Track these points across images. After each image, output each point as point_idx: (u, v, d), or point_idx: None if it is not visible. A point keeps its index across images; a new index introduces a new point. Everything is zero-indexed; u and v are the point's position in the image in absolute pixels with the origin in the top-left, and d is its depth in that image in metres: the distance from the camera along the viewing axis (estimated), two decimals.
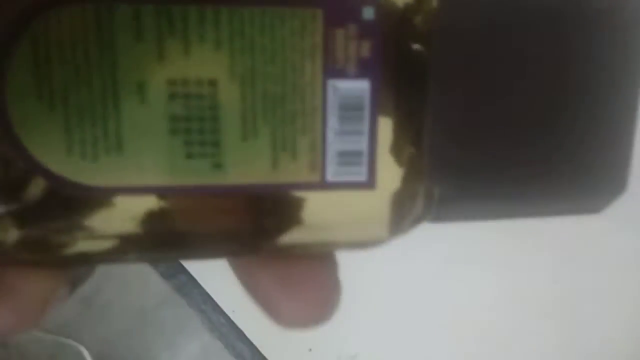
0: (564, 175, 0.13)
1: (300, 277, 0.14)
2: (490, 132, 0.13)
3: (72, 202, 0.12)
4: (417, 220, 0.14)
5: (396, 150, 0.13)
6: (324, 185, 0.12)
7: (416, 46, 0.12)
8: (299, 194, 0.12)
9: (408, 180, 0.13)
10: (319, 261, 0.14)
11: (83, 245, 0.12)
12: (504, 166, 0.13)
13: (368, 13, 0.12)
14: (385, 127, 0.13)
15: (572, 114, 0.13)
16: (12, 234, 0.12)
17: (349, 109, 0.12)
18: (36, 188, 0.12)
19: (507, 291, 0.37)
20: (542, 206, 0.14)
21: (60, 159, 0.11)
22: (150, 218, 0.12)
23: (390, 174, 0.13)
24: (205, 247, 0.13)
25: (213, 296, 0.41)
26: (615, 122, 0.13)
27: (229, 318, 0.40)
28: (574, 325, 0.37)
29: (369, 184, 0.13)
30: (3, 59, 0.11)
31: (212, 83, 0.11)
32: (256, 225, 0.13)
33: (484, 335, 0.38)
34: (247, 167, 0.12)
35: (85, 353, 0.50)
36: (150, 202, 0.12)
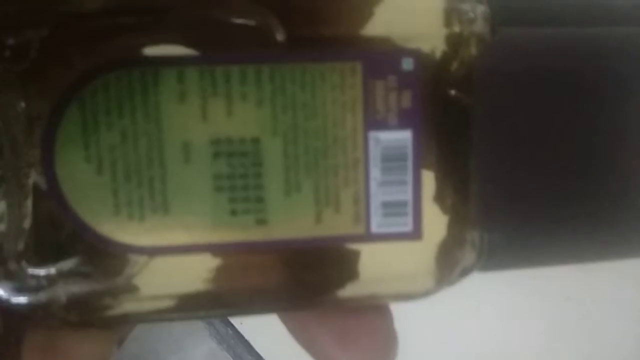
0: (621, 219, 0.13)
1: (356, 331, 0.13)
2: (538, 177, 0.12)
3: (118, 262, 0.12)
4: (466, 271, 0.13)
5: (440, 198, 0.13)
6: (369, 237, 0.12)
7: (456, 94, 0.12)
8: (349, 247, 0.12)
9: (453, 228, 0.13)
10: (373, 313, 0.14)
11: (129, 306, 0.12)
12: (554, 211, 0.13)
13: (407, 64, 0.12)
14: (428, 175, 0.12)
15: (623, 160, 0.12)
16: (61, 296, 0.12)
17: (391, 159, 0.12)
18: (82, 249, 0.12)
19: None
20: (598, 250, 0.14)
21: (107, 220, 0.12)
22: (197, 277, 0.12)
23: (435, 223, 0.13)
24: (252, 304, 0.13)
25: None
26: None
27: (236, 329, 0.39)
28: None
29: (416, 234, 0.12)
30: (53, 124, 0.11)
31: (255, 140, 0.12)
32: (304, 281, 0.12)
33: None
34: (291, 222, 0.12)
35: None
36: (196, 261, 0.12)
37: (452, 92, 0.12)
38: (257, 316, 0.13)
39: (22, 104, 0.11)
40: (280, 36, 0.11)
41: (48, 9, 0.11)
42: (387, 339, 0.14)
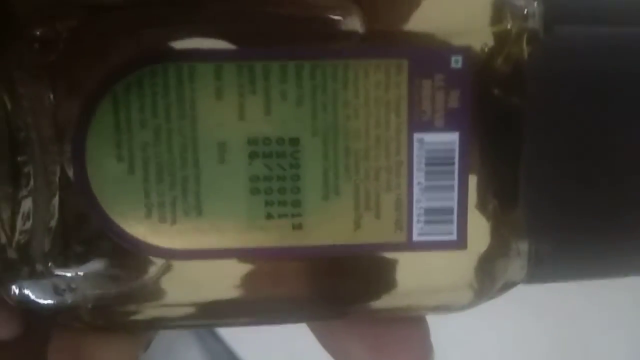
0: None
1: (391, 343, 0.13)
2: (591, 187, 0.12)
3: (148, 266, 0.11)
4: (509, 284, 0.12)
5: (484, 204, 0.12)
6: (410, 245, 0.12)
7: (507, 95, 0.11)
8: (388, 255, 0.12)
9: (497, 237, 0.12)
10: (409, 325, 0.13)
11: (155, 312, 0.12)
12: (605, 223, 0.12)
13: (456, 62, 0.11)
14: (472, 180, 0.12)
15: None
16: (88, 299, 0.11)
17: (437, 163, 0.11)
18: (111, 251, 0.11)
19: None
20: None
21: (138, 221, 0.11)
22: (230, 283, 0.11)
23: (479, 231, 0.12)
24: (283, 313, 0.12)
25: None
26: None
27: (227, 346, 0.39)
28: None
29: (460, 243, 0.12)
30: (84, 121, 0.11)
31: (294, 141, 0.11)
32: (338, 290, 0.12)
33: None
34: (329, 228, 0.11)
35: None
36: (229, 266, 0.11)
37: (503, 92, 0.11)
38: (289, 324, 0.13)
39: (51, 98, 0.11)
40: (336, 29, 0.11)
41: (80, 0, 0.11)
42: (423, 352, 0.13)
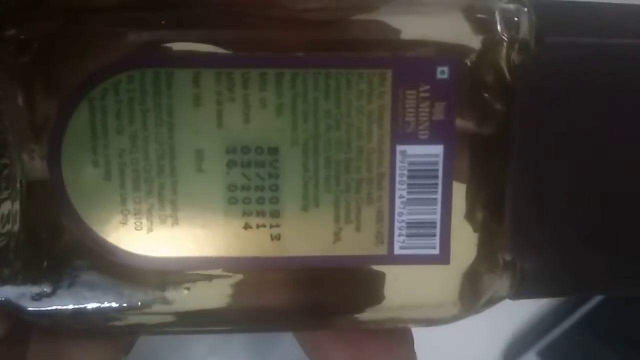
0: None
1: (375, 353, 0.13)
2: (580, 201, 0.11)
3: (125, 273, 0.11)
4: (496, 298, 0.12)
5: (471, 216, 0.12)
6: (391, 259, 0.11)
7: (494, 105, 0.11)
8: (371, 269, 0.11)
9: (484, 250, 0.12)
10: (393, 336, 0.13)
11: (135, 319, 0.12)
12: (595, 239, 0.12)
13: (442, 72, 0.11)
14: (459, 192, 0.11)
15: None
16: (67, 305, 0.11)
17: (419, 176, 0.11)
18: (88, 257, 0.11)
19: None
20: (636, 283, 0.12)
21: (114, 228, 0.11)
22: (206, 292, 0.11)
23: (465, 244, 0.12)
24: (263, 322, 0.12)
25: None
26: None
27: None
28: None
29: (443, 257, 0.11)
30: (60, 125, 0.11)
31: (273, 150, 0.11)
32: (318, 301, 0.12)
33: None
34: (308, 239, 0.11)
35: None
36: (206, 276, 0.11)
37: (490, 103, 0.11)
38: (269, 332, 0.13)
39: (26, 101, 0.11)
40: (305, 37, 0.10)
41: (56, 1, 0.11)
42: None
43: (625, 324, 0.33)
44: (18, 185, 0.11)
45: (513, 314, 0.34)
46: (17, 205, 0.11)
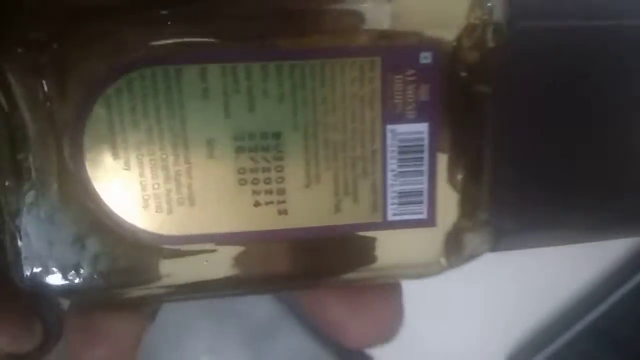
0: (623, 202, 0.13)
1: (368, 302, 0.14)
2: (548, 164, 0.13)
3: (148, 251, 0.12)
4: (477, 252, 0.14)
5: (453, 181, 0.13)
6: (385, 224, 0.13)
7: (474, 85, 0.12)
8: (366, 234, 0.13)
9: (465, 211, 0.13)
10: (384, 288, 0.14)
11: (158, 290, 0.13)
12: (562, 196, 0.13)
13: (425, 58, 0.12)
14: (442, 161, 0.13)
15: (629, 152, 0.13)
16: (96, 281, 0.13)
17: (408, 151, 0.12)
18: (114, 240, 0.12)
19: None
20: (604, 230, 0.14)
21: (137, 212, 0.12)
22: (223, 264, 0.13)
23: (449, 207, 0.13)
24: (272, 285, 0.14)
25: None
26: None
27: None
28: None
29: (430, 221, 0.13)
30: (80, 122, 0.12)
31: (276, 135, 0.12)
32: (322, 265, 0.13)
33: None
34: (311, 212, 0.12)
35: None
36: (221, 249, 0.13)
37: (470, 83, 0.12)
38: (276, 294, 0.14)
39: (46, 98, 0.12)
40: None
41: (70, 3, 0.11)
42: (396, 312, 0.15)
43: (629, 334, 0.33)
44: (42, 176, 0.12)
45: (516, 324, 0.34)
46: (41, 195, 0.12)
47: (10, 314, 0.14)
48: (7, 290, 0.13)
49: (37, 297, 0.14)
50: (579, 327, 0.33)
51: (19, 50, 0.11)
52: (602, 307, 0.33)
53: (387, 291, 0.15)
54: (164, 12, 0.11)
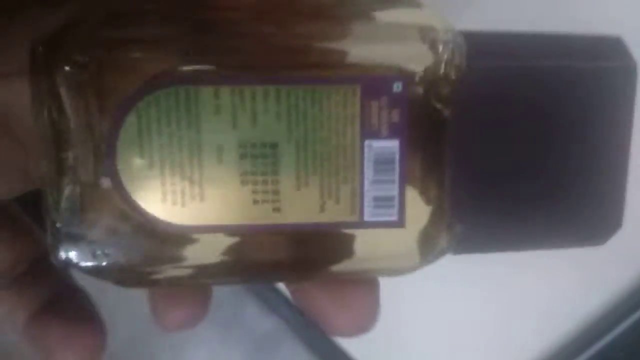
0: (566, 214, 0.16)
1: (350, 295, 0.17)
2: (501, 179, 0.15)
3: (163, 237, 0.15)
4: (442, 253, 0.16)
5: (424, 192, 0.16)
6: (362, 224, 0.15)
7: (437, 110, 0.15)
8: (346, 232, 0.15)
9: (433, 217, 0.16)
10: (365, 284, 0.17)
11: (172, 272, 0.15)
12: (513, 208, 0.16)
13: (397, 87, 0.15)
14: (414, 175, 0.15)
15: (572, 168, 0.15)
16: (120, 262, 0.15)
17: (382, 162, 0.15)
18: (138, 227, 0.15)
19: None
20: (550, 240, 0.17)
21: (156, 204, 0.15)
22: (225, 251, 0.15)
23: (419, 213, 0.16)
24: (268, 274, 0.16)
25: None
26: (608, 173, 0.15)
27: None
28: None
29: (400, 222, 0.15)
30: (115, 128, 0.14)
31: (274, 145, 0.15)
32: (308, 257, 0.16)
33: None
34: (300, 211, 0.15)
35: None
36: (224, 238, 0.15)
37: (434, 109, 0.15)
38: (272, 283, 0.17)
39: (88, 109, 0.14)
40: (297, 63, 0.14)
41: (106, 33, 0.14)
42: (374, 304, 0.17)
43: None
44: (79, 172, 0.15)
45: (524, 349, 0.35)
46: (77, 188, 0.15)
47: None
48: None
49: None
50: (586, 355, 0.33)
51: (67, 68, 0.14)
52: (610, 336, 0.33)
53: (367, 286, 0.17)
54: (184, 45, 0.14)
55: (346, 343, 0.34)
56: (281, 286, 0.36)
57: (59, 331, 0.17)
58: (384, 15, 0.15)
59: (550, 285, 0.33)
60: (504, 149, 0.15)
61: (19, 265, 0.17)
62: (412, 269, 0.16)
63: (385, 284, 0.17)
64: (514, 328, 0.36)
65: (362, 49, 0.14)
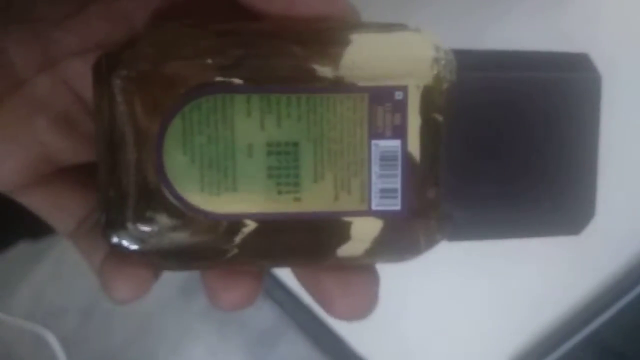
0: (545, 207, 0.18)
1: (353, 282, 0.19)
2: (488, 175, 0.18)
3: (201, 224, 0.18)
4: (437, 240, 0.19)
5: (423, 186, 0.18)
6: (370, 212, 0.18)
7: (434, 115, 0.18)
8: (349, 219, 0.18)
9: (431, 209, 0.18)
10: (366, 270, 0.19)
11: (209, 253, 0.18)
12: (497, 201, 0.18)
13: (399, 95, 0.17)
14: (414, 170, 0.18)
15: (548, 164, 0.18)
16: (164, 246, 0.18)
17: (386, 159, 0.18)
18: (180, 215, 0.18)
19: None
20: (532, 229, 0.19)
21: (196, 194, 0.17)
22: (253, 235, 0.18)
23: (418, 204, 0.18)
24: (288, 257, 0.18)
25: None
26: (580, 170, 0.18)
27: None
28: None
29: (402, 212, 0.18)
30: (163, 129, 0.17)
31: (295, 144, 0.17)
32: (324, 240, 0.18)
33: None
34: (317, 200, 0.18)
35: None
36: (253, 224, 0.18)
37: (431, 114, 0.18)
38: (290, 267, 0.19)
39: (140, 114, 0.17)
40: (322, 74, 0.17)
41: (151, 50, 0.17)
42: (374, 293, 0.19)
43: (629, 346, 0.34)
44: (130, 167, 0.17)
45: (515, 336, 0.37)
46: (127, 182, 0.17)
47: None
48: None
49: None
50: (578, 338, 0.34)
51: (118, 80, 0.17)
52: (602, 319, 0.34)
53: (369, 276, 0.19)
54: (221, 60, 0.17)
55: (345, 334, 0.34)
56: (279, 279, 0.38)
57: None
58: (390, 37, 0.17)
59: (542, 271, 0.35)
60: (488, 148, 0.18)
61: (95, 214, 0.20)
62: (411, 256, 0.19)
63: (382, 276, 0.20)
64: (508, 313, 0.37)
65: (370, 65, 0.17)
